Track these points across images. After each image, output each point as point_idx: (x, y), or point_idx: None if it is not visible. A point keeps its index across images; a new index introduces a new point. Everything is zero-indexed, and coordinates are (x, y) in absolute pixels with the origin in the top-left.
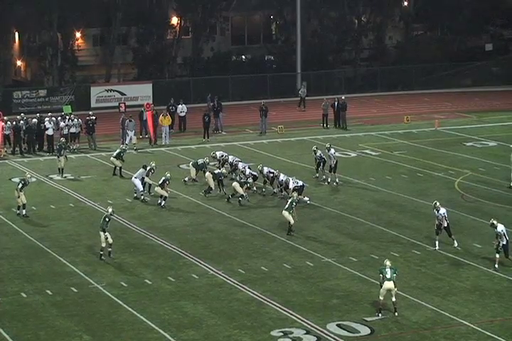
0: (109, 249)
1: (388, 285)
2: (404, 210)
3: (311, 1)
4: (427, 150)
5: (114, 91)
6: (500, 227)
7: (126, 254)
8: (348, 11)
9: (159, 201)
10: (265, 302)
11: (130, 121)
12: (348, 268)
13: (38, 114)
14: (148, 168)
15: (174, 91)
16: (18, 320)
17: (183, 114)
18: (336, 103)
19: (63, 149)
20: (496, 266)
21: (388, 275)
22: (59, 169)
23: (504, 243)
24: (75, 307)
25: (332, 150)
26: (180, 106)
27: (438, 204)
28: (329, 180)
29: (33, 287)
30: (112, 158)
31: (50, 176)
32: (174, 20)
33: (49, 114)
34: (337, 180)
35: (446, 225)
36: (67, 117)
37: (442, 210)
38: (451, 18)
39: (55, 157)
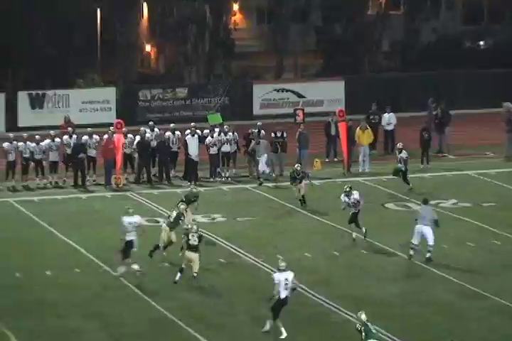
0: None
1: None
2: None
3: None
4: None
5: (287, 91)
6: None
7: None
8: None
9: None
10: None
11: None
12: None
13: (171, 125)
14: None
15: (377, 93)
16: None
17: (390, 128)
18: None
19: None
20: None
21: None
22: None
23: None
24: None
25: None
26: (386, 115)
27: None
28: None
29: None
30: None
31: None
32: None
33: (192, 124)
34: None
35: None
36: (218, 130)
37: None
38: None
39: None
